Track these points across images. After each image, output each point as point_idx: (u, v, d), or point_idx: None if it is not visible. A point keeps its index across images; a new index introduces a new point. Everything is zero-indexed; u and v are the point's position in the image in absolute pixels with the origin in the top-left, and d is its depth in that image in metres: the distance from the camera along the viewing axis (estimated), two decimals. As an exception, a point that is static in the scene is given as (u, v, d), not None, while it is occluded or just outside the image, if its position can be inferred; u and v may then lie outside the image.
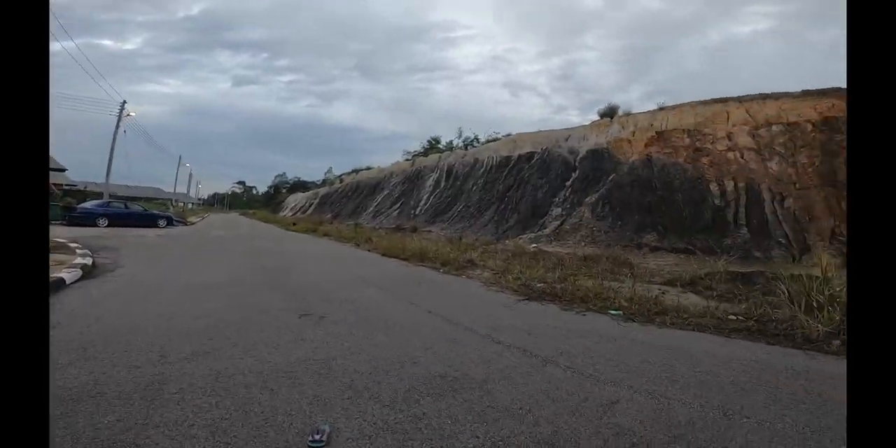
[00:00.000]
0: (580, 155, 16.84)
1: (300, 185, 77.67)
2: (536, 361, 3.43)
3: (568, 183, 16.20)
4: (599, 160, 15.77)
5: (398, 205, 27.30)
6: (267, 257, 10.65)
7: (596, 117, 18.09)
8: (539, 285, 6.86)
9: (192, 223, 29.08)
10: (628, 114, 16.71)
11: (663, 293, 5.96)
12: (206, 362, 3.06)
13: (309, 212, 46.77)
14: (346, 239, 17.49)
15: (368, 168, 43.54)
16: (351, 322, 4.42)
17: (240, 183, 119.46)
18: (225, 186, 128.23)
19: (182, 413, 2.29)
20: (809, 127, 12.18)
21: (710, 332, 4.45)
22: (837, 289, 4.83)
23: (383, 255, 11.91)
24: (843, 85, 12.86)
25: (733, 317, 4.98)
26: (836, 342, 3.97)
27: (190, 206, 61.32)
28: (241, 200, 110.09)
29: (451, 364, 3.26)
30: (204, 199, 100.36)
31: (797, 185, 11.56)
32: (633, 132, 15.43)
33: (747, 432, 2.36)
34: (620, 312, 5.19)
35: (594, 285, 6.44)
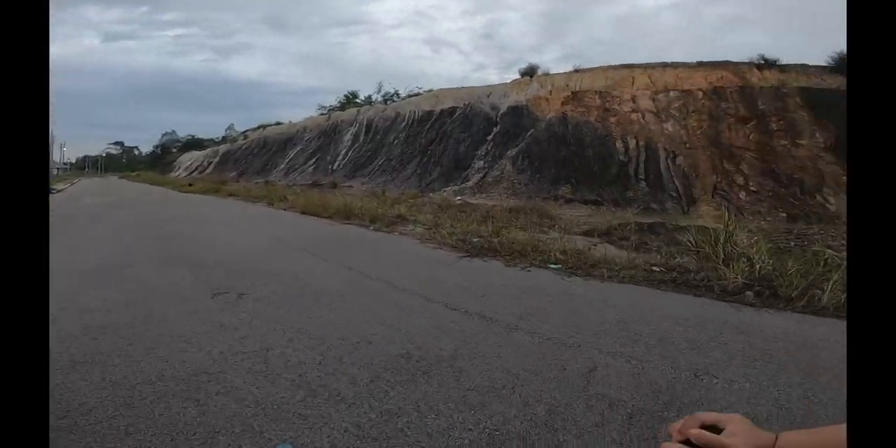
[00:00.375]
0: (501, 111, 16.55)
1: (195, 144, 66.71)
2: (499, 328, 3.10)
3: (489, 137, 15.94)
4: (519, 116, 15.62)
5: (314, 160, 25.22)
6: (160, 225, 8.53)
7: (514, 76, 17.83)
8: (476, 240, 6.55)
9: (58, 190, 24.11)
10: (547, 74, 16.73)
11: (595, 245, 5.97)
12: (95, 372, 2.24)
13: (208, 171, 41.39)
14: (257, 198, 15.06)
15: (278, 123, 39.01)
16: (279, 298, 3.62)
17: (117, 143, 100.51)
18: (99, 148, 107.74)
19: (82, 443, 1.59)
20: (700, 94, 12.91)
21: (643, 285, 4.43)
22: (745, 242, 5.06)
23: (302, 213, 10.45)
24: (732, 58, 13.80)
25: (656, 268, 5.04)
26: (750, 293, 4.10)
27: (55, 171, 51.18)
28: (119, 162, 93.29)
29: (411, 339, 2.81)
30: (72, 164, 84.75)
31: (687, 145, 12.35)
32: (551, 91, 15.43)
33: (724, 394, 2.24)
34: (560, 266, 5.05)
35: (527, 239, 6.25)
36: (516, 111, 15.93)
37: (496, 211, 9.76)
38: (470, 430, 1.84)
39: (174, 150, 71.91)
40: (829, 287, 3.72)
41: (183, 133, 79.72)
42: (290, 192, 14.90)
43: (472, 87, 19.33)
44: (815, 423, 1.97)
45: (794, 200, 9.63)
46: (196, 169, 46.03)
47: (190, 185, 25.31)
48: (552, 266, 5.08)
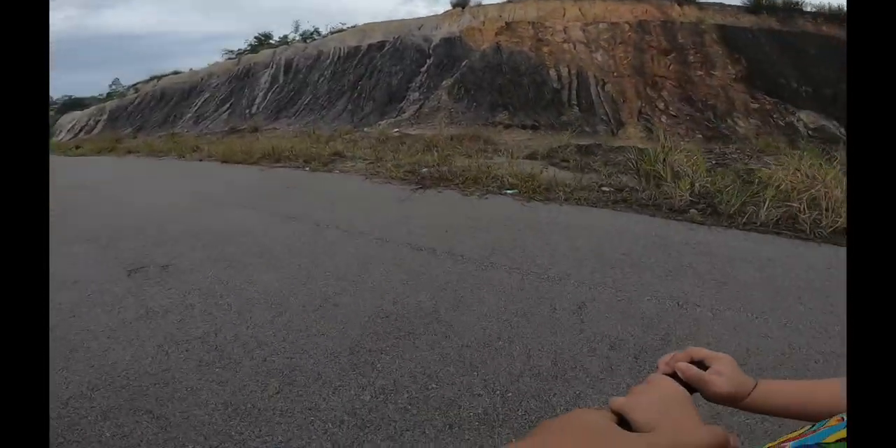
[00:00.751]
0: (434, 43, 14.99)
1: (74, 104, 53.54)
2: (474, 267, 2.75)
3: (423, 69, 14.55)
4: (453, 48, 14.28)
5: (227, 106, 21.67)
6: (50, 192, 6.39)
7: (443, 8, 15.93)
8: (424, 170, 5.98)
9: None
10: (479, 5, 15.31)
11: (544, 168, 5.70)
12: None
13: (97, 131, 33.80)
14: (163, 152, 11.87)
15: (175, 73, 32.37)
16: (212, 264, 2.82)
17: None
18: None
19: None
20: (627, 27, 12.48)
21: (600, 206, 4.21)
22: (684, 161, 5.02)
23: (223, 162, 8.51)
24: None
25: (606, 188, 4.90)
26: (694, 211, 4.07)
27: None
28: (-16, 137, 73.98)
29: (383, 294, 2.37)
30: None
31: (615, 74, 12.09)
32: (484, 22, 14.15)
33: (711, 324, 2.11)
34: (516, 190, 4.73)
35: (475, 165, 5.78)
36: (449, 42, 14.50)
37: (437, 140, 9.06)
38: (479, 395, 1.52)
39: (51, 113, 58.06)
40: (766, 205, 3.73)
41: (57, 94, 63.22)
42: (203, 142, 12.46)
43: (401, 19, 17.18)
44: (796, 351, 1.84)
45: (709, 124, 9.95)
46: (82, 130, 37.48)
47: (77, 147, 20.36)
48: (508, 191, 4.74)
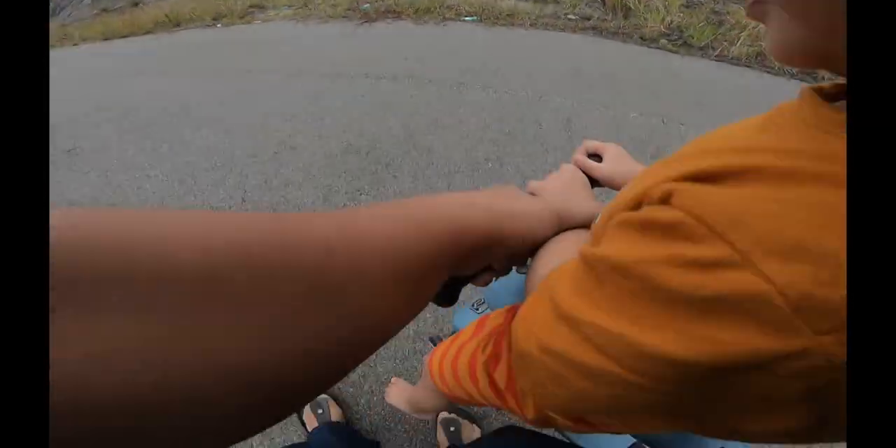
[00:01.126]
0: None
1: None
2: (446, 89, 2.24)
3: None
4: None
5: None
6: None
7: None
8: (366, 6, 4.69)
9: None
10: None
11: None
12: None
13: None
14: None
15: None
16: (128, 138, 1.99)
17: None
18: None
19: None
20: None
21: (568, 31, 3.61)
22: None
23: (106, 39, 6.08)
24: None
25: (572, 16, 4.15)
26: (665, 41, 3.60)
27: None
28: None
29: (346, 127, 1.87)
30: None
31: None
32: None
33: (693, 139, 1.86)
34: (476, 17, 3.89)
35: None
36: None
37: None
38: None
39: None
40: (739, 42, 3.36)
41: None
42: (72, 29, 8.42)
43: None
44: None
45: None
46: None
47: None
48: (467, 18, 3.88)
